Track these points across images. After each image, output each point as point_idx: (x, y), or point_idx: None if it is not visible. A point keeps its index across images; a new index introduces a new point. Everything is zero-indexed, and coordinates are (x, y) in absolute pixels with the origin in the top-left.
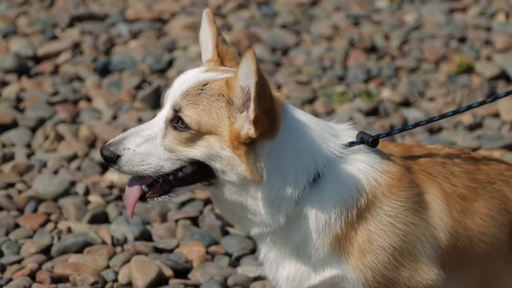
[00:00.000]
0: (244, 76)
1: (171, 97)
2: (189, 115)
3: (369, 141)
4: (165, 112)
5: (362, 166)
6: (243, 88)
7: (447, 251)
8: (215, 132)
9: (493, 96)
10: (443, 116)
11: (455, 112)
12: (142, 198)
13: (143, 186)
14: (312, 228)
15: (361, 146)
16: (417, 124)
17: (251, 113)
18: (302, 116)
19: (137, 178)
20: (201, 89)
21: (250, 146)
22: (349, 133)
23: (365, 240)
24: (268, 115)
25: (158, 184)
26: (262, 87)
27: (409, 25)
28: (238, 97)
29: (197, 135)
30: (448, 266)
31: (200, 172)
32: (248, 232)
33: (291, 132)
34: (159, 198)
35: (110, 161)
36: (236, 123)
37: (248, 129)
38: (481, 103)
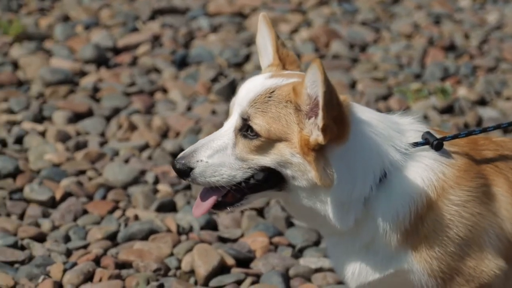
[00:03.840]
0: (311, 84)
1: (238, 106)
2: (258, 123)
3: (433, 144)
4: (233, 121)
5: (429, 162)
6: (311, 95)
7: None
8: (285, 139)
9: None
10: (497, 127)
11: (510, 124)
12: (216, 206)
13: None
14: (381, 228)
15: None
16: (484, 130)
17: (320, 121)
18: (366, 114)
19: (210, 190)
20: (269, 96)
21: (319, 152)
22: (414, 127)
23: (432, 231)
24: (337, 121)
25: (230, 193)
26: (330, 96)
27: (491, 25)
28: (305, 104)
29: (267, 142)
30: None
31: (271, 179)
32: (319, 232)
33: (359, 134)
34: (232, 206)
35: (183, 174)
36: (305, 129)
37: (317, 136)
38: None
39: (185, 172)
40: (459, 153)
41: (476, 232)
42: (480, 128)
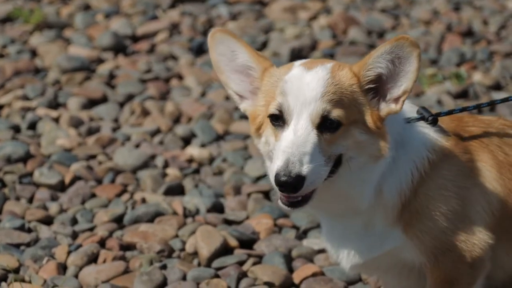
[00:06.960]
0: (376, 62)
1: (303, 105)
2: (338, 114)
3: (428, 119)
4: (306, 121)
5: (427, 133)
6: (375, 72)
7: (498, 217)
8: (355, 120)
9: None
10: (491, 102)
11: (503, 100)
12: (298, 203)
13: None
14: (385, 204)
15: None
16: (478, 106)
17: (404, 92)
18: None
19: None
20: (335, 85)
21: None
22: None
23: (424, 206)
24: None
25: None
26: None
27: (510, 11)
28: (367, 82)
29: (344, 130)
30: (498, 234)
31: (334, 165)
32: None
33: None
34: (307, 202)
35: (298, 186)
36: (374, 106)
37: (390, 108)
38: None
39: (299, 184)
40: (447, 129)
41: (465, 206)
42: (474, 104)
